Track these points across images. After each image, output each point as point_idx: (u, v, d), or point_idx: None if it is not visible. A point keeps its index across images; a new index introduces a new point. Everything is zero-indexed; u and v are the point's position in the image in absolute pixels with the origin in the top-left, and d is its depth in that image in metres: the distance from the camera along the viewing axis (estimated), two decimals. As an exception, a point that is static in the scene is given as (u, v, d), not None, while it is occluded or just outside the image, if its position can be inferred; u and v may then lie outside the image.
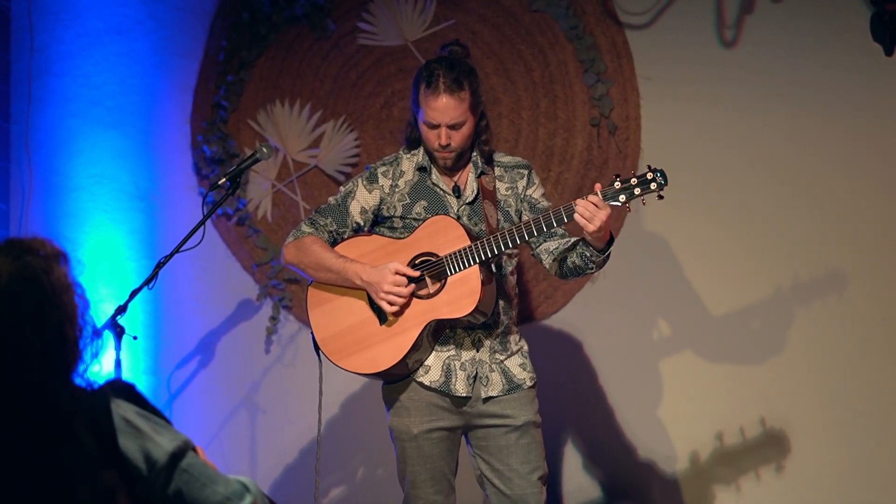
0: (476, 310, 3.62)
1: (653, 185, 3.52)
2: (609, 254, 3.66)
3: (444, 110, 3.70)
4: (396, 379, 3.77)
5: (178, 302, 5.18)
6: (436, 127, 3.73)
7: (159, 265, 4.26)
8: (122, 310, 4.29)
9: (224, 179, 4.24)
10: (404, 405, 3.75)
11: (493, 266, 3.74)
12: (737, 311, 4.63)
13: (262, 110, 5.14)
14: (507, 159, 3.92)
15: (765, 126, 4.62)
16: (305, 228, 3.85)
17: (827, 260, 4.54)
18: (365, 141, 5.05)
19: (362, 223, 3.85)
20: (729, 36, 4.67)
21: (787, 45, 4.60)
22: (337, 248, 3.81)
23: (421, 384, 3.73)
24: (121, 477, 2.08)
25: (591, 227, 3.52)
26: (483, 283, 3.62)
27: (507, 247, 3.63)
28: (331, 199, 3.90)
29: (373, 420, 4.87)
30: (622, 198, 3.53)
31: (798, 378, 4.54)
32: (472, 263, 3.63)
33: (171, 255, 4.25)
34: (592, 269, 3.69)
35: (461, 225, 3.68)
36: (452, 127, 3.72)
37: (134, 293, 4.28)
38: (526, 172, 3.89)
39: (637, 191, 3.53)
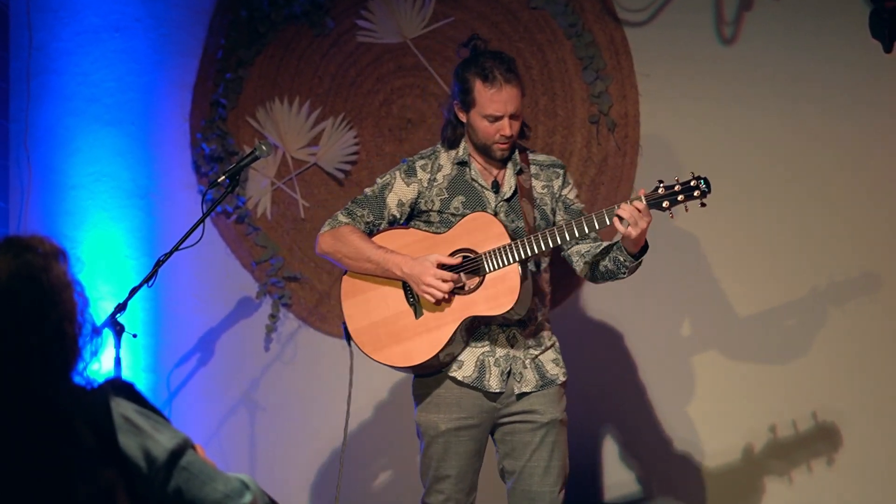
0: (514, 308, 3.64)
1: (696, 192, 3.54)
2: (641, 260, 3.69)
3: (508, 100, 3.74)
4: (427, 373, 3.78)
5: (177, 300, 5.18)
6: (498, 119, 3.75)
7: (159, 263, 4.26)
8: (121, 308, 4.30)
9: (223, 177, 4.25)
10: (433, 401, 3.77)
11: (529, 263, 3.76)
12: (735, 311, 4.63)
13: (261, 108, 5.14)
14: (542, 157, 3.94)
15: (764, 123, 4.62)
16: (342, 218, 3.86)
17: (829, 254, 4.54)
18: (364, 138, 5.05)
19: (398, 216, 3.87)
20: (728, 32, 4.67)
21: (786, 41, 4.60)
22: (374, 240, 3.83)
23: (454, 379, 3.74)
24: (120, 475, 2.08)
25: (633, 233, 3.55)
26: (521, 281, 3.65)
27: (547, 247, 3.65)
28: (367, 190, 3.90)
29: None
30: (665, 203, 3.55)
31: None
32: (511, 261, 3.65)
33: (171, 252, 4.26)
34: (624, 274, 3.72)
35: (501, 222, 3.70)
36: (513, 117, 3.76)
37: (133, 291, 4.29)
38: (561, 172, 3.91)
39: (680, 197, 3.54)
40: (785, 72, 4.60)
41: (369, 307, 3.81)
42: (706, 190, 3.53)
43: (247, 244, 5.15)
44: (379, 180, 3.91)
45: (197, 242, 4.27)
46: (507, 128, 3.76)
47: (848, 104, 4.53)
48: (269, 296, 5.10)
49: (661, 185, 3.57)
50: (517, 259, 3.65)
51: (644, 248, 3.67)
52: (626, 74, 4.77)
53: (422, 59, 4.97)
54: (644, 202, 3.55)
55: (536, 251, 3.65)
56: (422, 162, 3.89)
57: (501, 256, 3.66)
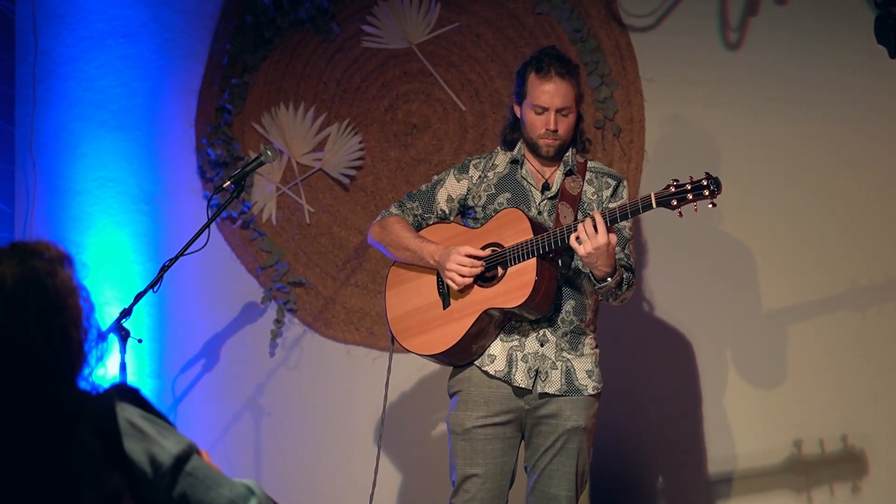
0: (527, 303, 3.66)
1: (706, 192, 3.52)
2: (618, 284, 3.68)
3: (555, 93, 3.77)
4: (462, 363, 3.83)
5: (182, 305, 5.18)
6: (544, 111, 3.79)
7: (164, 268, 4.27)
8: (126, 313, 4.30)
9: (228, 182, 4.26)
10: (463, 399, 3.81)
11: (559, 263, 3.76)
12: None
13: (267, 113, 5.15)
14: (601, 167, 3.96)
15: (769, 128, 4.61)
16: (393, 210, 3.99)
17: (834, 261, 4.53)
18: (369, 144, 5.05)
19: (448, 211, 3.95)
20: (733, 38, 4.67)
21: (791, 47, 4.59)
22: (420, 233, 3.92)
23: (486, 373, 3.78)
24: (126, 480, 2.08)
25: (580, 251, 3.58)
26: (539, 278, 3.65)
27: (550, 248, 3.65)
28: (423, 186, 4.01)
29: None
30: (674, 201, 3.54)
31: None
32: (529, 257, 3.67)
33: (176, 258, 4.27)
34: (602, 296, 3.77)
35: (529, 219, 3.73)
36: (560, 111, 3.79)
37: (139, 296, 4.29)
38: (614, 183, 3.91)
39: (690, 196, 3.54)
40: (790, 77, 4.59)
41: (407, 297, 3.92)
42: (715, 190, 3.51)
43: (252, 249, 5.15)
44: (435, 177, 4.01)
45: (202, 248, 4.28)
46: (552, 121, 3.78)
47: (853, 109, 4.52)
48: (274, 301, 5.10)
49: (673, 183, 3.57)
50: (534, 255, 3.66)
51: (613, 274, 3.65)
52: (631, 80, 4.77)
53: (427, 64, 4.97)
54: (603, 220, 3.54)
55: (548, 250, 3.66)
56: (476, 160, 3.97)
57: (522, 252, 3.69)
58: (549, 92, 3.77)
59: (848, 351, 4.51)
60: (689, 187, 3.54)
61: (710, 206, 3.55)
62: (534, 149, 3.87)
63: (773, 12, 4.62)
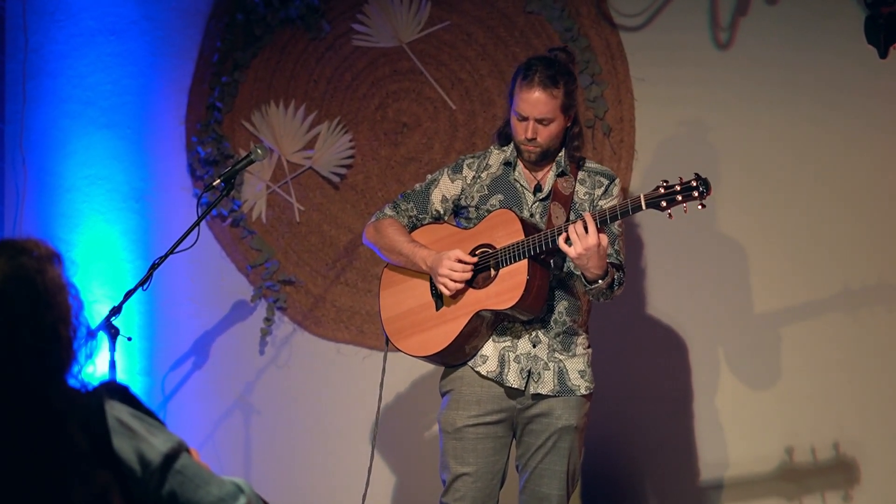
0: (518, 304, 3.66)
1: (695, 193, 3.51)
2: (610, 286, 3.69)
3: (535, 104, 3.75)
4: (455, 364, 3.84)
5: (172, 303, 5.18)
6: (524, 119, 3.78)
7: (154, 266, 4.26)
8: (116, 311, 4.30)
9: (218, 180, 4.26)
10: (454, 398, 3.82)
11: (551, 264, 3.76)
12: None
13: (257, 111, 5.14)
14: (595, 166, 3.95)
15: (758, 128, 4.62)
16: (388, 211, 3.98)
17: (820, 260, 4.54)
18: (359, 142, 5.05)
19: (442, 211, 3.95)
20: (723, 38, 4.67)
21: (782, 46, 4.60)
22: (413, 234, 3.92)
23: (478, 374, 3.79)
24: (115, 478, 2.08)
25: (570, 253, 3.57)
26: (530, 279, 3.65)
27: (541, 250, 3.65)
28: (417, 186, 4.00)
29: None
30: (663, 203, 3.54)
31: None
32: (521, 258, 3.67)
33: (166, 256, 4.26)
34: (593, 297, 3.77)
35: (520, 220, 3.72)
36: (540, 122, 3.77)
37: (128, 294, 4.29)
38: (606, 182, 3.90)
39: (679, 197, 3.53)
40: (780, 76, 4.60)
41: (401, 298, 3.91)
42: (704, 191, 3.51)
43: (242, 248, 5.14)
44: (429, 176, 4.00)
45: (192, 246, 4.28)
46: (530, 130, 3.77)
47: (843, 109, 4.53)
48: (264, 299, 5.10)
49: (663, 185, 3.56)
50: (525, 256, 3.66)
51: (605, 275, 3.65)
52: (621, 79, 4.77)
53: (417, 63, 4.97)
54: (593, 221, 3.54)
55: (539, 251, 3.65)
56: (470, 160, 3.96)
57: (514, 253, 3.69)
58: (528, 101, 3.75)
59: (839, 353, 4.51)
60: (679, 188, 3.53)
61: (700, 207, 3.55)
62: (519, 152, 3.88)
63: (764, 12, 4.62)
